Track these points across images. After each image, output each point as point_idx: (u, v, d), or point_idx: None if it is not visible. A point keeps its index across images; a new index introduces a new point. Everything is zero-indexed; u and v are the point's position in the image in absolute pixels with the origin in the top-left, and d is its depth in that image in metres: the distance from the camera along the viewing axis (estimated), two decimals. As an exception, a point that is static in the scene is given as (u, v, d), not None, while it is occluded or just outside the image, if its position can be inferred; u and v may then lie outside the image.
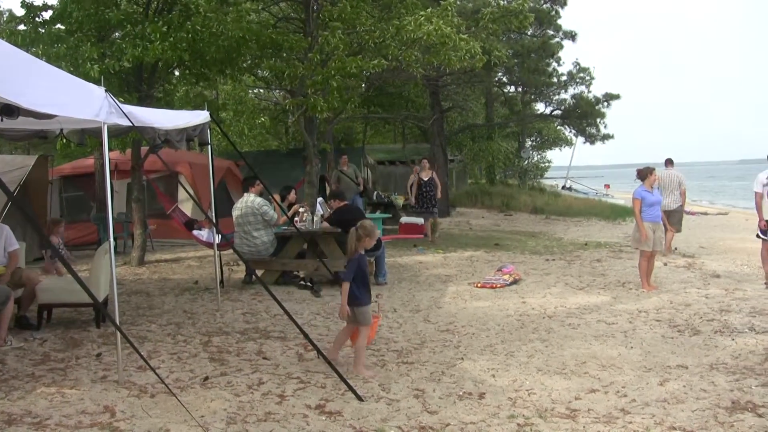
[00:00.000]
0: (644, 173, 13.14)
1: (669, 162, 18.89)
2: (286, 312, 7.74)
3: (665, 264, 16.04)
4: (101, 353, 8.51)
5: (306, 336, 7.61)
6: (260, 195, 13.41)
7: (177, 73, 17.37)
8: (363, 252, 7.86)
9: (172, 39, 13.85)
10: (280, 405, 6.67)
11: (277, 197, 14.32)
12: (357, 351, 7.76)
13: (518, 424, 6.23)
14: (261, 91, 32.83)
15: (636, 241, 13.22)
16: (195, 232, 14.25)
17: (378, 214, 21.39)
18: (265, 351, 8.67)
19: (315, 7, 18.02)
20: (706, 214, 36.72)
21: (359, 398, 6.75)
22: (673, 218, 17.84)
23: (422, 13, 16.02)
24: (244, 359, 8.31)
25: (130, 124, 7.74)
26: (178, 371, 7.77)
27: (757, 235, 13.24)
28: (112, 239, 7.56)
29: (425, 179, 20.18)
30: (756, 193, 13.14)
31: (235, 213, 13.32)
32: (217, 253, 12.06)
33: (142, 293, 12.69)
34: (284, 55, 17.20)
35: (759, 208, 13.10)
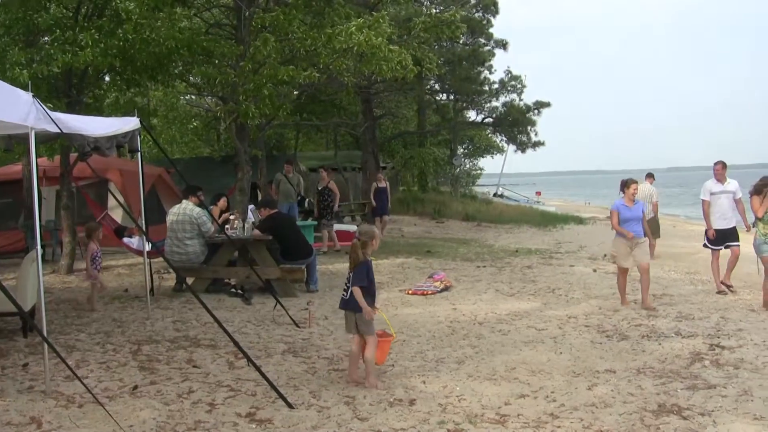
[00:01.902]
0: (623, 186, 12.39)
1: (649, 176, 19.90)
2: (216, 320, 7.70)
3: (594, 270, 16.26)
4: (28, 363, 8.37)
5: (236, 344, 7.58)
6: (198, 206, 13.30)
7: (107, 79, 17.17)
8: (369, 258, 7.79)
9: (103, 45, 13.69)
10: (210, 413, 6.62)
11: (215, 211, 14.22)
12: (367, 363, 7.61)
13: (448, 430, 6.26)
14: (193, 97, 32.65)
15: (613, 256, 12.69)
16: (125, 239, 14.10)
17: (309, 222, 21.31)
18: (196, 359, 8.61)
19: (247, 14, 17.93)
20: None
21: (290, 406, 6.74)
22: (650, 227, 18.22)
23: (353, 23, 16.03)
24: (174, 368, 8.24)
25: (59, 131, 7.64)
26: (107, 380, 7.67)
27: (704, 245, 13.45)
28: (39, 247, 7.46)
29: (319, 188, 20.10)
30: (703, 201, 13.24)
31: (170, 218, 13.19)
32: (147, 260, 11.94)
33: (70, 302, 12.51)
34: (216, 61, 17.10)
35: (706, 216, 13.25)
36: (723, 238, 13.11)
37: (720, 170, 13.30)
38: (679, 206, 65.74)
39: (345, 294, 7.69)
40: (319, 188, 20.01)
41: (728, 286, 13.10)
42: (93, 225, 12.64)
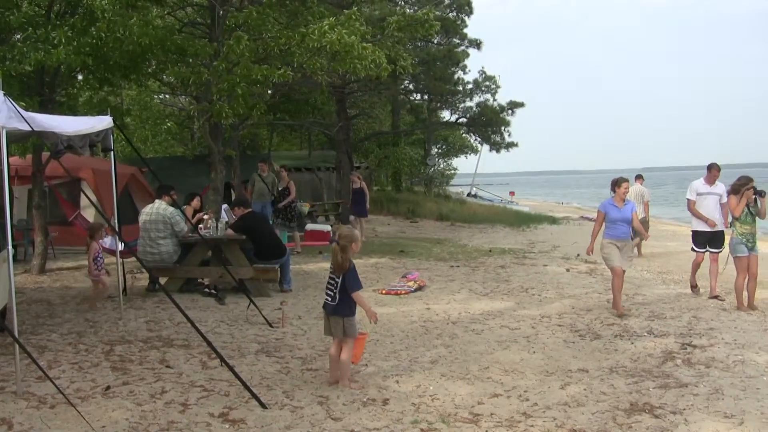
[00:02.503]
0: (614, 185, 11.99)
1: (639, 177, 20.52)
2: (189, 320, 7.68)
3: (567, 270, 16.32)
4: (-1, 363, 8.33)
5: (209, 344, 7.55)
6: (172, 205, 13.24)
7: (80, 77, 17.05)
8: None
9: (75, 43, 13.60)
10: (183, 414, 6.60)
11: (189, 210, 14.16)
12: (343, 364, 7.57)
13: (422, 429, 6.27)
14: (166, 96, 32.50)
15: (605, 258, 11.92)
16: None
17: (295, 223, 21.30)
18: (169, 359, 8.58)
19: (221, 13, 17.88)
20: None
21: (263, 406, 6.72)
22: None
23: (326, 21, 16.00)
24: (147, 368, 8.20)
25: (30, 129, 7.59)
26: (79, 381, 7.63)
27: (693, 249, 13.21)
28: (11, 247, 7.41)
29: (281, 188, 20.01)
30: (689, 200, 13.09)
31: (143, 218, 13.12)
32: (120, 260, 11.89)
33: (42, 302, 12.42)
34: (190, 60, 17.03)
35: (697, 215, 12.95)
36: (706, 241, 12.96)
37: (717, 174, 13.20)
38: (651, 206, 65.90)
39: (330, 299, 7.59)
40: (280, 189, 19.89)
41: (716, 296, 12.72)
42: (96, 225, 12.53)
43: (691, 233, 13.21)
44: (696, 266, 13.19)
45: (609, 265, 11.81)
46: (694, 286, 13.25)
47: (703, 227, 12.84)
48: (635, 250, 12.45)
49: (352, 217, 23.08)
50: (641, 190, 19.73)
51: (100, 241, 13.68)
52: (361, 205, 23.07)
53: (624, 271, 11.77)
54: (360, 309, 7.57)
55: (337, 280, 7.55)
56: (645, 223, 19.09)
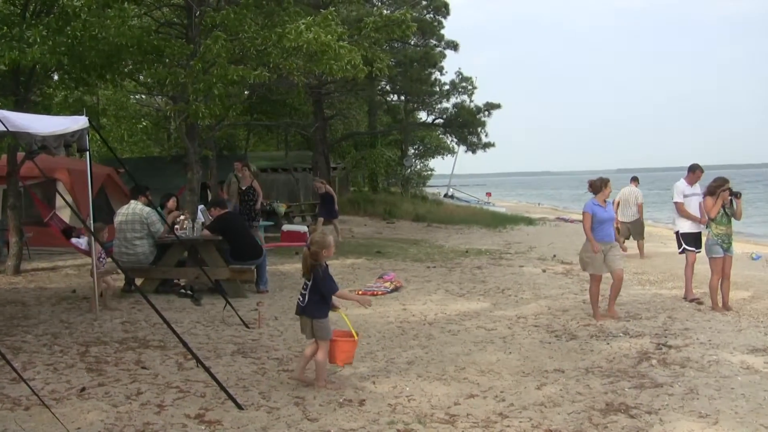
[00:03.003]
0: (598, 185, 11.47)
1: (634, 179, 20.75)
2: (165, 321, 7.65)
3: (544, 271, 16.37)
4: (-27, 365, 8.28)
5: (185, 345, 7.53)
6: (147, 205, 13.19)
7: (56, 77, 16.95)
8: (326, 264, 7.67)
9: (51, 43, 13.52)
10: (158, 415, 6.58)
11: (169, 213, 14.12)
12: (318, 366, 7.54)
13: (398, 430, 6.27)
14: (142, 96, 32.39)
15: (585, 263, 11.51)
16: (73, 240, 13.96)
17: (262, 222, 21.25)
18: (144, 360, 8.54)
19: (197, 13, 17.82)
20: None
21: (239, 407, 6.70)
22: (636, 228, 19.65)
23: (303, 21, 15.98)
24: (123, 369, 8.16)
25: (5, 129, 7.55)
26: (54, 382, 7.58)
27: (683, 250, 12.86)
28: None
29: (243, 188, 19.90)
30: (678, 203, 12.88)
31: (118, 219, 13.05)
32: (95, 261, 11.83)
33: (17, 303, 12.34)
34: (166, 61, 16.97)
35: (688, 216, 12.72)
36: (694, 241, 12.86)
37: (700, 175, 13.18)
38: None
39: (301, 300, 7.59)
40: (243, 188, 19.77)
41: (695, 299, 12.62)
42: (99, 225, 12.43)
43: (677, 235, 13.08)
44: (692, 269, 12.79)
45: (589, 270, 11.41)
46: (695, 299, 12.64)
47: (691, 228, 12.75)
48: (615, 264, 11.79)
49: (320, 219, 23.06)
50: (635, 192, 19.94)
51: (76, 241, 13.63)
52: (329, 206, 23.03)
53: (618, 273, 11.39)
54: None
55: (308, 282, 7.54)
56: (640, 224, 19.69)
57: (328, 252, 7.61)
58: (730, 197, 11.84)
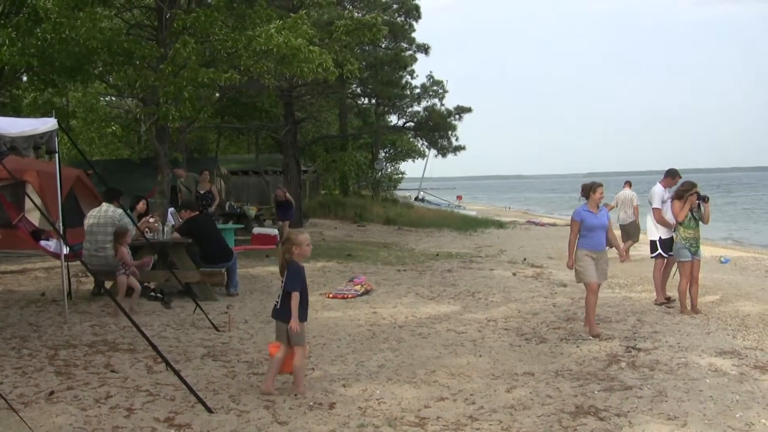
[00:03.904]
0: (587, 190, 10.80)
1: (628, 183, 21.09)
2: (134, 324, 7.61)
3: (514, 274, 16.41)
4: (-61, 368, 8.20)
5: (155, 348, 7.49)
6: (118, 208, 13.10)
7: (25, 78, 16.85)
8: (302, 264, 7.56)
9: (20, 44, 13.43)
10: (128, 419, 6.54)
11: (147, 224, 14.06)
12: (296, 371, 7.47)
13: (368, 433, 6.28)
14: (113, 98, 32.18)
15: (578, 274, 10.74)
16: (42, 242, 13.83)
17: (230, 225, 21.20)
18: (114, 364, 8.49)
19: (168, 16, 17.75)
20: (554, 225, 37.72)
21: (209, 410, 6.68)
22: (630, 230, 19.99)
23: (273, 24, 15.95)
24: (92, 372, 8.11)
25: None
26: (23, 386, 7.52)
27: (660, 255, 12.80)
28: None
29: (201, 192, 19.81)
30: (657, 209, 12.79)
31: (90, 221, 12.93)
32: (64, 264, 11.74)
33: (-15, 306, 12.26)
34: (136, 63, 16.89)
35: (666, 224, 12.58)
36: (670, 246, 12.84)
37: (679, 180, 13.20)
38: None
39: (278, 303, 7.52)
40: (201, 192, 19.67)
41: (666, 300, 12.67)
42: (121, 230, 12.25)
43: (652, 242, 13.01)
44: (663, 273, 12.80)
45: (584, 280, 10.60)
46: (668, 299, 12.73)
47: (668, 234, 12.76)
48: (605, 275, 11.32)
49: (280, 223, 23.23)
50: (630, 195, 20.24)
51: (45, 244, 13.50)
52: (285, 211, 23.29)
53: (599, 286, 10.79)
54: (309, 317, 7.53)
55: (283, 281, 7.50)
56: (636, 226, 19.97)
57: (300, 249, 7.44)
58: (698, 201, 11.91)
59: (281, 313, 7.43)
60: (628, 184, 20.99)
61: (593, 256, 10.53)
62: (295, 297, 7.33)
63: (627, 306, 12.55)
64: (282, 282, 7.49)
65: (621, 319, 11.42)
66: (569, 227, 10.97)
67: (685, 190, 12.03)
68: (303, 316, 7.48)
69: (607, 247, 11.04)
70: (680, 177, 13.17)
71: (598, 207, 10.70)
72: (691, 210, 11.87)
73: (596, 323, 10.57)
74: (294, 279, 7.39)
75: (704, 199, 11.99)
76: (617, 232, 15.98)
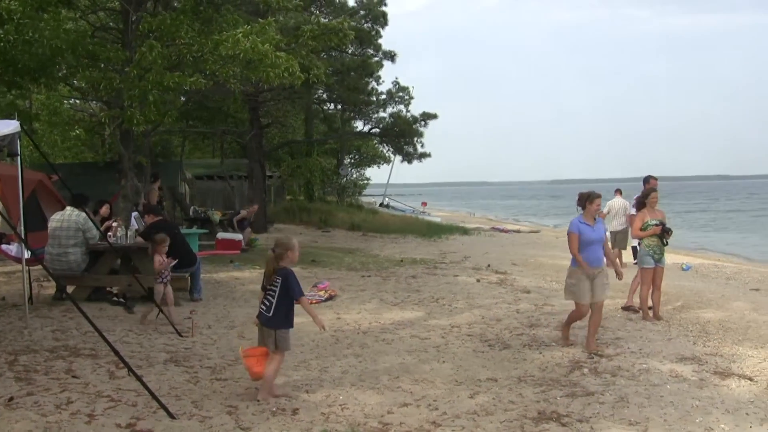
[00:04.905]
0: (583, 200, 10.04)
1: (619, 191, 21.39)
2: (97, 329, 7.55)
3: (478, 280, 16.45)
4: None
5: (117, 353, 7.44)
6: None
7: (-13, 80, 16.70)
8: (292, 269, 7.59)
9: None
10: (89, 425, 6.49)
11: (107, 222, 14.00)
12: (266, 377, 7.42)
13: (331, 439, 6.28)
14: (77, 101, 31.97)
15: (569, 291, 10.03)
16: (3, 246, 13.74)
17: (194, 230, 21.12)
18: (75, 369, 8.42)
19: (134, 19, 17.65)
20: (519, 232, 37.91)
21: (171, 416, 6.64)
22: (619, 237, 19.84)
23: (240, 29, 15.91)
24: (53, 378, 8.03)
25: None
26: (-19, 392, 7.45)
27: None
28: None
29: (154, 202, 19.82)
30: (631, 216, 12.78)
31: (53, 225, 12.86)
32: (26, 268, 11.64)
33: (-56, 311, 12.13)
34: (101, 66, 16.79)
35: (642, 235, 12.25)
36: None
37: (655, 185, 13.26)
38: (559, 217, 67.10)
39: (265, 309, 7.51)
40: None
41: (630, 307, 12.75)
42: (160, 237, 12.07)
43: (634, 248, 13.05)
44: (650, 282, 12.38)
45: (575, 300, 9.93)
46: (630, 307, 12.73)
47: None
48: (604, 293, 10.36)
49: (248, 229, 23.28)
50: (624, 203, 20.32)
51: (6, 248, 13.39)
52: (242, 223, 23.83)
53: (599, 305, 9.92)
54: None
55: (274, 289, 7.46)
56: (625, 235, 19.88)
57: (293, 254, 7.54)
58: (662, 231, 11.96)
59: (274, 321, 7.45)
60: (619, 192, 21.18)
61: (589, 275, 9.73)
62: (305, 302, 7.59)
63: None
64: (275, 287, 7.49)
65: (584, 325, 11.42)
66: (568, 240, 10.06)
67: (644, 196, 12.20)
68: (290, 323, 7.56)
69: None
70: (655, 181, 13.31)
71: (594, 219, 10.00)
72: (661, 239, 11.93)
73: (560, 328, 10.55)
74: (297, 285, 7.52)
75: (667, 232, 12.06)
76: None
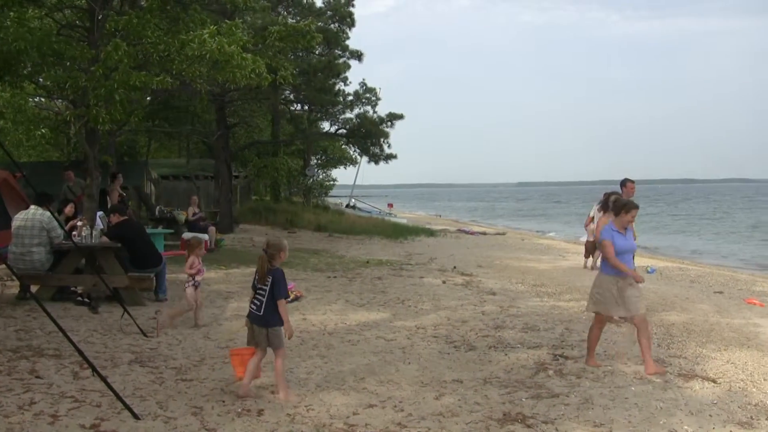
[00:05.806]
0: (618, 208, 9.37)
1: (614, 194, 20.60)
2: (61, 329, 7.50)
3: (444, 282, 16.49)
4: None
5: (81, 353, 7.39)
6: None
7: (-50, 78, 16.53)
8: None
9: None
10: (52, 425, 6.45)
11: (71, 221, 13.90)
12: (277, 377, 7.52)
13: (297, 440, 6.27)
14: (42, 100, 31.72)
15: (595, 301, 9.32)
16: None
17: (160, 230, 21.01)
18: (39, 369, 8.36)
19: (100, 17, 17.52)
20: (485, 233, 37.99)
21: (135, 417, 6.61)
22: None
23: (206, 30, 15.85)
24: (16, 378, 7.97)
25: None
26: (-58, 392, 7.39)
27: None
28: None
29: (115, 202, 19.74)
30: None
31: (17, 223, 12.77)
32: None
33: None
34: (67, 64, 16.66)
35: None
36: None
37: (633, 188, 13.30)
38: (526, 219, 67.44)
39: (256, 309, 7.55)
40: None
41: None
42: (195, 241, 11.96)
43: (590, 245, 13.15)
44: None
45: (595, 309, 9.36)
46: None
47: None
48: (629, 307, 9.62)
49: (212, 228, 23.24)
50: None
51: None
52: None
53: (644, 319, 9.20)
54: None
55: (265, 288, 7.50)
56: None
57: (284, 254, 7.66)
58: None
59: (265, 320, 7.49)
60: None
61: (616, 284, 9.11)
62: (283, 306, 7.50)
63: (555, 314, 12.69)
64: (265, 288, 7.52)
65: (549, 327, 11.54)
66: (602, 249, 9.35)
67: (607, 200, 12.30)
68: (280, 321, 7.54)
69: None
70: (632, 184, 13.38)
71: (625, 228, 9.30)
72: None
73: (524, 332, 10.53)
74: (284, 286, 7.56)
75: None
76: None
